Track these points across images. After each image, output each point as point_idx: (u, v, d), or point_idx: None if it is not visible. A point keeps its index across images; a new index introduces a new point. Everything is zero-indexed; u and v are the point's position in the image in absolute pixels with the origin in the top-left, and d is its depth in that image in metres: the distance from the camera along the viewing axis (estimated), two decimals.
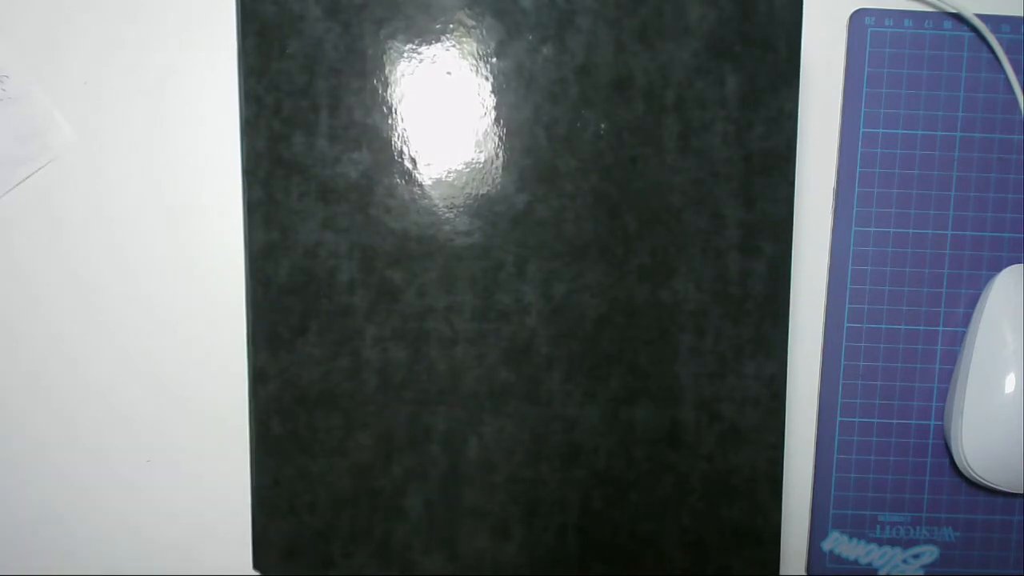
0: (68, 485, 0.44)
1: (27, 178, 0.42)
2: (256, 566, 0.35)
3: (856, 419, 0.44)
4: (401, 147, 0.34)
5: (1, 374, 0.43)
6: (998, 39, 0.42)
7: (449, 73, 0.34)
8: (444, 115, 0.34)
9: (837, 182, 0.43)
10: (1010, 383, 0.41)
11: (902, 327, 0.44)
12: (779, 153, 0.35)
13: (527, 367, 0.35)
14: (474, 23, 0.34)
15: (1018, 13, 0.43)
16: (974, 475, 0.42)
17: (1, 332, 0.43)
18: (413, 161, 0.34)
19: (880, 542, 0.44)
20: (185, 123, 0.43)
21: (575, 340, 0.35)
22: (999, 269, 0.43)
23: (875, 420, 0.44)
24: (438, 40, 0.34)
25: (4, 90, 0.42)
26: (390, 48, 0.34)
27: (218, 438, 0.44)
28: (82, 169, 0.43)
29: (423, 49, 0.34)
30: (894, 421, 0.44)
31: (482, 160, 0.34)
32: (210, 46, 0.43)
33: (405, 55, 0.34)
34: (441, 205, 0.34)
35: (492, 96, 0.34)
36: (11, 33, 0.42)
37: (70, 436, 0.44)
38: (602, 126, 0.35)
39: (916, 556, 0.44)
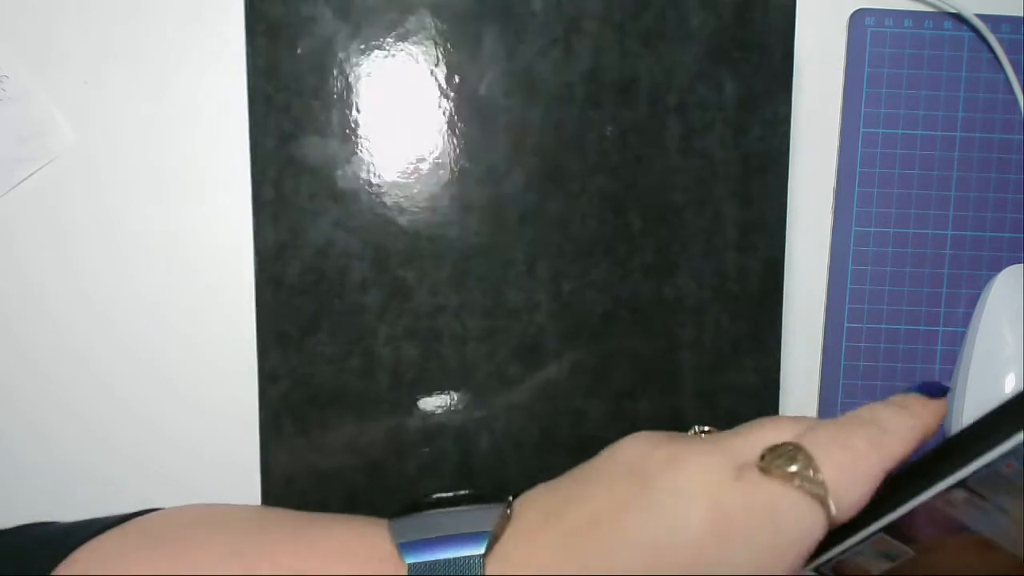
0: (76, 487, 0.44)
1: (27, 178, 0.42)
2: None
3: None
4: (411, 147, 0.34)
5: (2, 374, 0.43)
6: (998, 39, 0.42)
7: (459, 76, 0.34)
8: (454, 116, 0.34)
9: (837, 182, 0.44)
10: (1010, 383, 0.41)
11: (902, 327, 0.44)
12: (774, 154, 0.36)
13: (536, 364, 0.35)
14: (485, 26, 0.34)
15: (1018, 13, 0.43)
16: None
17: (2, 333, 0.43)
18: (424, 161, 0.34)
19: None
20: (185, 123, 0.43)
21: (582, 336, 0.35)
22: (999, 269, 0.43)
23: None
24: (448, 42, 0.34)
25: (4, 90, 0.42)
26: (399, 50, 0.34)
27: (228, 438, 0.43)
28: (82, 169, 0.42)
29: (433, 51, 0.34)
30: None
31: (492, 160, 0.34)
32: (212, 46, 0.42)
33: (415, 57, 0.34)
34: (452, 205, 0.34)
35: (502, 98, 0.34)
36: (11, 33, 0.42)
37: (75, 436, 0.43)
38: (608, 128, 0.35)
39: None
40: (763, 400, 0.36)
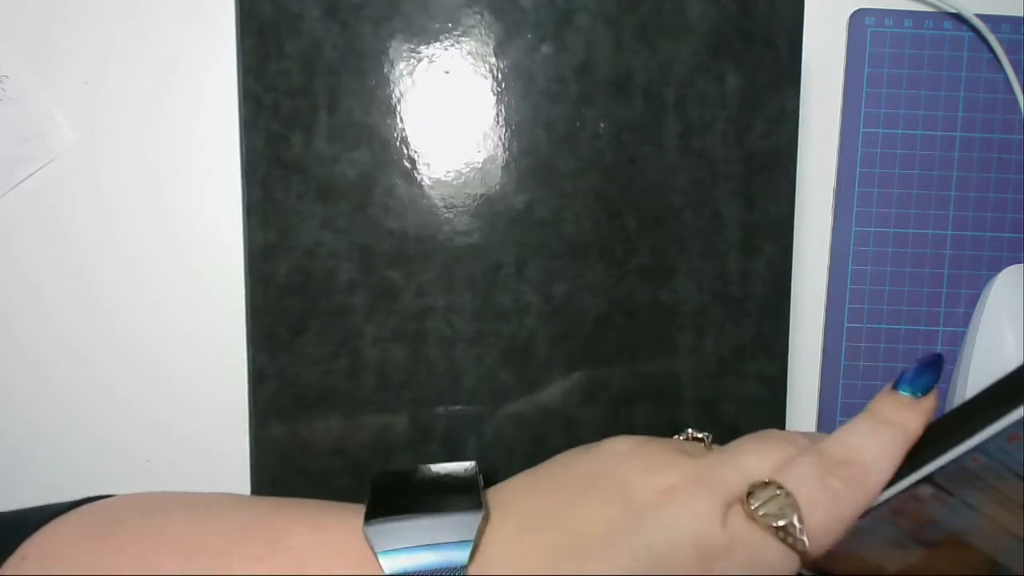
0: (68, 484, 0.44)
1: (27, 178, 0.42)
2: None
3: None
4: (400, 147, 0.34)
5: (2, 374, 0.43)
6: (998, 39, 0.42)
7: (448, 72, 0.34)
8: (443, 115, 0.34)
9: (837, 182, 0.43)
10: None
11: (902, 327, 0.44)
12: (780, 152, 0.35)
13: (526, 368, 0.35)
14: (473, 22, 0.34)
15: (1018, 13, 0.42)
16: None
17: (2, 333, 0.43)
18: (412, 161, 0.34)
19: None
20: (185, 123, 0.43)
21: (575, 340, 0.35)
22: (999, 269, 0.43)
23: None
24: (437, 39, 0.34)
25: (4, 90, 0.42)
26: (389, 48, 0.34)
27: (217, 438, 0.44)
28: (82, 169, 0.43)
29: (422, 48, 0.34)
30: None
31: (481, 160, 0.34)
32: (209, 46, 0.43)
33: (404, 55, 0.34)
34: (440, 205, 0.34)
35: (491, 96, 0.34)
36: (11, 33, 0.42)
37: (68, 435, 0.44)
38: (601, 125, 0.34)
39: None
40: (768, 409, 0.36)
